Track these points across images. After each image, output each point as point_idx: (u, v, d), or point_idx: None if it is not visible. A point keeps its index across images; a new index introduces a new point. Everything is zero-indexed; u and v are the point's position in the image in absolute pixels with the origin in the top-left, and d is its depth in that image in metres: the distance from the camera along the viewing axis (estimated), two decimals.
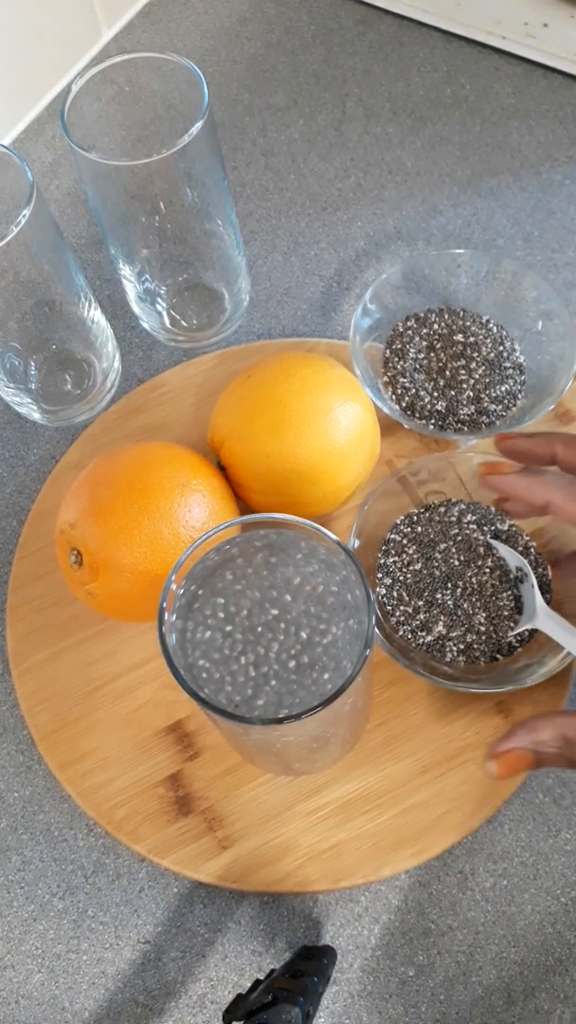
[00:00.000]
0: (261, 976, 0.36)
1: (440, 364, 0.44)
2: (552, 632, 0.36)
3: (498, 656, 0.38)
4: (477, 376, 0.44)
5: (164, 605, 0.28)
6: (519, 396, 0.44)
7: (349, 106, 0.58)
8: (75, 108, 0.39)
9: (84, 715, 0.41)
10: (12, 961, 0.38)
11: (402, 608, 0.39)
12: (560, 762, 0.33)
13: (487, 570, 0.39)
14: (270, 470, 0.39)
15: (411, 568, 0.39)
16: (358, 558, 0.29)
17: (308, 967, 0.34)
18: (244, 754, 0.38)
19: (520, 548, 0.40)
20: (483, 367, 0.44)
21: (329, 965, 0.35)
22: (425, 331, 0.45)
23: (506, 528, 0.40)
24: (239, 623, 0.29)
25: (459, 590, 0.39)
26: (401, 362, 0.44)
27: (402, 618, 0.39)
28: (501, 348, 0.45)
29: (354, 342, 0.43)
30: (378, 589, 0.39)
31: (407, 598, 0.39)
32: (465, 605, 0.38)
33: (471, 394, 0.43)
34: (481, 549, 0.39)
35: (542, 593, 0.38)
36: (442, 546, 0.40)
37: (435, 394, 0.43)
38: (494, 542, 0.39)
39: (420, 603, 0.39)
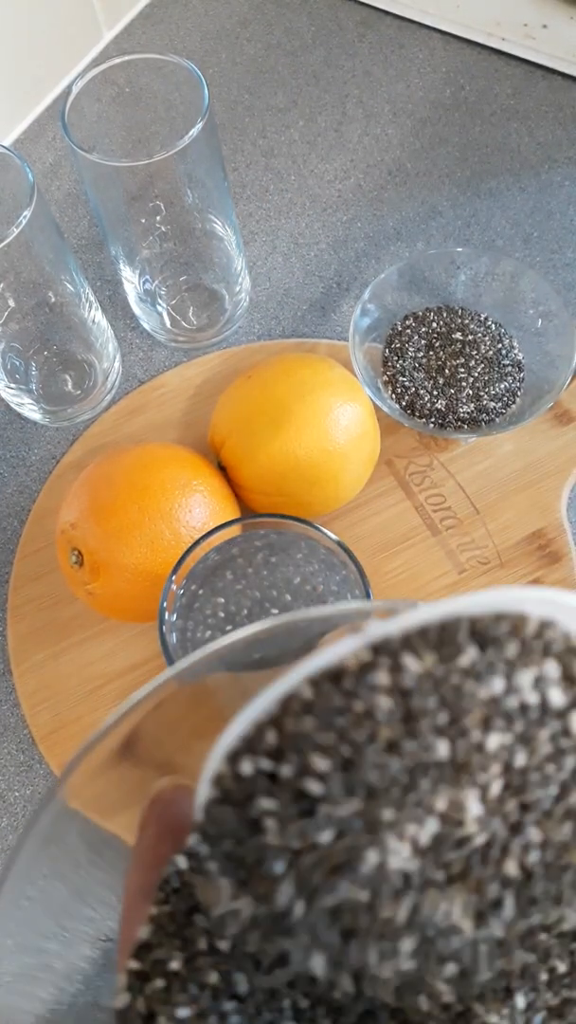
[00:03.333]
0: None
1: (439, 362, 0.44)
2: None
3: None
4: (476, 374, 0.44)
5: (164, 605, 0.28)
6: (518, 394, 0.44)
7: (349, 107, 0.58)
8: (76, 109, 0.39)
9: (84, 715, 0.41)
10: None
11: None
12: None
13: None
14: (270, 470, 0.39)
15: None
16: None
17: None
18: None
19: None
20: (482, 365, 0.44)
21: None
22: (424, 330, 0.45)
23: None
24: (239, 623, 0.29)
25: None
26: (400, 361, 0.44)
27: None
28: (500, 345, 0.45)
29: (353, 342, 0.43)
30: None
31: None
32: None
33: (470, 392, 0.43)
34: None
35: None
36: None
37: (434, 392, 0.43)
38: None
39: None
